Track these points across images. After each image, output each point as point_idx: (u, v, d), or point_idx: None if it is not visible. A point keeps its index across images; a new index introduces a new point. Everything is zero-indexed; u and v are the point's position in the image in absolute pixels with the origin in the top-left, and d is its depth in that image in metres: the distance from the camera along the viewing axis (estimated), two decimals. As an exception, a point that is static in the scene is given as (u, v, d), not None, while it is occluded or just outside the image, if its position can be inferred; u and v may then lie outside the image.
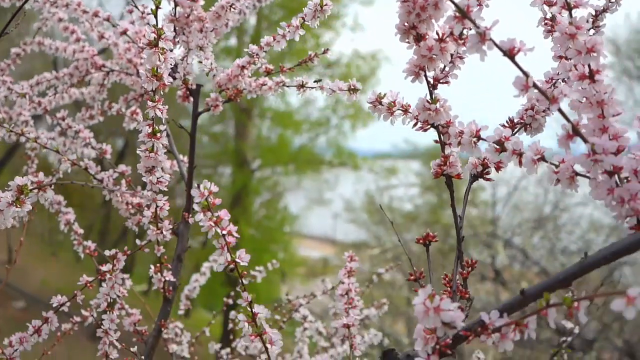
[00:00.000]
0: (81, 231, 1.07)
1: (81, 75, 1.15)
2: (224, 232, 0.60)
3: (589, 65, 0.52)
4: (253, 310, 0.63)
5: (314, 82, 0.90)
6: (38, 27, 1.27)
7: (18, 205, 0.65)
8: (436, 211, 8.73)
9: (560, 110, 0.49)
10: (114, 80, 1.18)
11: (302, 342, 1.24)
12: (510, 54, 0.49)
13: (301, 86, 0.91)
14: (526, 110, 0.66)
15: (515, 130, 0.66)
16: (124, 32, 1.02)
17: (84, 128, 1.08)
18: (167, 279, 0.94)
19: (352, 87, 0.82)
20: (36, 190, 0.64)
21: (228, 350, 1.25)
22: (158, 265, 0.93)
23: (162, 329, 0.97)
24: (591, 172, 0.50)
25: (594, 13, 0.71)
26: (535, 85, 0.49)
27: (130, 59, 1.10)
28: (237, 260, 0.61)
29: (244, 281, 0.62)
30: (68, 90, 1.30)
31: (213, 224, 0.60)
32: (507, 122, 0.66)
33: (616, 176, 0.51)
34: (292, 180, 11.78)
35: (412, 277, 0.55)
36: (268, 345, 0.62)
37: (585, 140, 0.50)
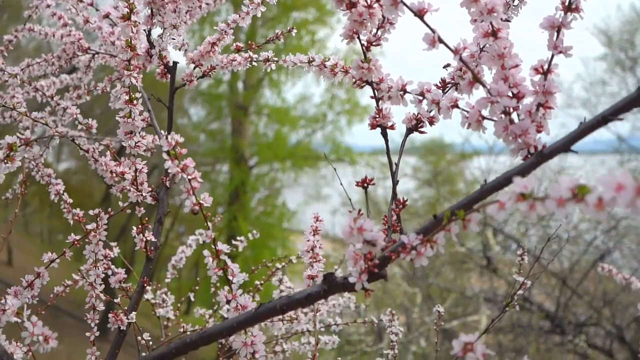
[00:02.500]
0: (70, 200, 1.16)
1: (68, 58, 1.23)
2: (190, 177, 0.69)
3: (491, 24, 0.61)
4: (217, 247, 0.72)
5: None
6: (28, 15, 1.36)
7: (9, 161, 0.74)
8: (433, 204, 8.84)
9: (462, 60, 0.58)
10: (100, 63, 1.27)
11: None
12: (420, 14, 0.58)
13: (267, 60, 1.00)
14: (456, 71, 0.75)
15: (447, 88, 0.75)
16: (107, 16, 1.10)
17: (71, 105, 1.16)
18: (148, 239, 1.03)
19: (310, 59, 0.91)
20: (24, 146, 0.72)
21: (210, 312, 1.35)
22: (140, 226, 1.02)
23: (145, 286, 1.06)
24: (490, 112, 0.59)
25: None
26: (440, 40, 0.58)
27: (114, 42, 1.19)
28: (201, 202, 0.70)
29: (209, 224, 0.71)
30: (59, 75, 1.39)
31: (180, 170, 0.69)
32: (439, 81, 0.75)
33: (516, 116, 0.61)
34: (290, 176, 11.87)
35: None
36: (230, 277, 0.72)
37: (484, 86, 0.59)
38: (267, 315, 0.65)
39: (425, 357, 5.20)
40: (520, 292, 1.13)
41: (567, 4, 0.59)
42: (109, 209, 0.99)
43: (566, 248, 6.86)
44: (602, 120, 0.53)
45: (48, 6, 1.25)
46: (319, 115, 11.79)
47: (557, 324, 5.78)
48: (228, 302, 0.71)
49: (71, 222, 1.14)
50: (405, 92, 0.68)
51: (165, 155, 0.69)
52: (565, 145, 0.55)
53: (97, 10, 1.13)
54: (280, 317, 1.17)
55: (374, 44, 0.68)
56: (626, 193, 0.37)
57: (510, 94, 0.59)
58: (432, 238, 0.57)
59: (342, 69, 0.76)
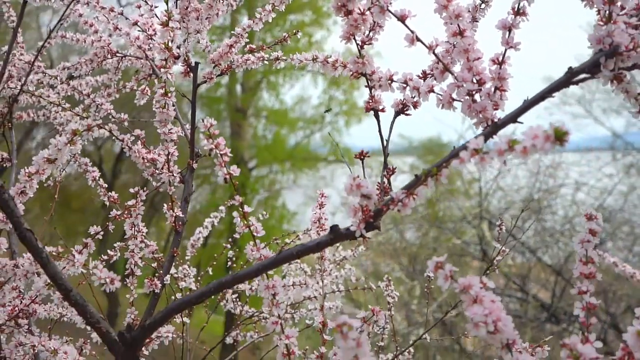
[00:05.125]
0: (105, 185, 1.33)
1: (99, 60, 1.40)
2: (222, 152, 0.86)
3: (458, 26, 0.78)
4: (244, 209, 0.89)
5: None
6: (60, 23, 1.53)
7: (72, 145, 0.91)
8: (432, 203, 9.00)
9: (435, 55, 0.76)
10: (126, 64, 1.44)
11: (289, 275, 1.50)
12: (402, 19, 0.75)
13: (276, 59, 1.17)
14: (434, 63, 0.92)
15: (427, 78, 0.92)
16: (135, 23, 1.27)
17: (105, 102, 1.33)
18: (177, 214, 1.20)
19: (314, 57, 1.08)
20: (87, 131, 0.89)
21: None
22: (170, 203, 1.19)
23: (175, 255, 1.22)
24: (458, 95, 0.76)
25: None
26: (418, 39, 0.75)
27: (140, 46, 1.36)
28: (231, 172, 0.87)
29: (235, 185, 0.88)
30: (85, 77, 1.56)
31: (214, 147, 0.86)
32: (421, 73, 0.92)
33: (479, 97, 0.78)
34: (289, 177, 12.04)
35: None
36: (255, 233, 0.89)
37: (452, 74, 0.76)
38: (286, 259, 0.82)
39: (425, 347, 5.37)
40: (499, 258, 1.29)
41: (516, 9, 0.76)
42: (144, 188, 1.16)
43: (561, 241, 7.04)
44: (540, 97, 0.70)
45: (80, 15, 1.42)
46: (317, 116, 11.98)
47: (552, 314, 5.96)
48: (252, 253, 0.88)
49: (107, 203, 1.31)
50: (392, 81, 0.85)
51: (202, 135, 0.86)
52: (512, 118, 0.72)
53: (126, 19, 1.30)
54: (292, 283, 1.34)
55: (367, 43, 0.85)
56: (539, 140, 0.54)
57: (473, 80, 0.77)
58: (414, 192, 0.74)
59: (341, 64, 0.93)
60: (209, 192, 11.43)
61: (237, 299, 1.63)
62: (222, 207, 1.81)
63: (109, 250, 1.36)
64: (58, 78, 1.35)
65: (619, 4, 0.68)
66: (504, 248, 1.33)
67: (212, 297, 1.69)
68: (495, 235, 1.41)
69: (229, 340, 1.67)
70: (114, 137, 1.25)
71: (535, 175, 7.75)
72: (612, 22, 0.68)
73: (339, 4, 0.81)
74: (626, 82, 0.70)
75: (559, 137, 0.52)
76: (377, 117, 0.89)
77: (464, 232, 7.20)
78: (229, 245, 1.70)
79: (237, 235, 1.67)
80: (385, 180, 0.87)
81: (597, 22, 0.69)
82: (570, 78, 0.69)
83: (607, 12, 0.68)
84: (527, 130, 0.55)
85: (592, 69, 0.68)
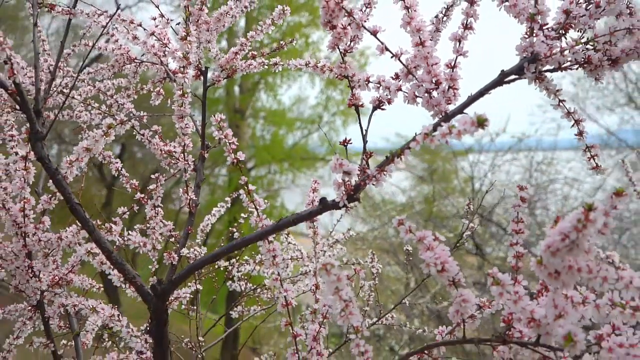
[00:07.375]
0: (127, 175, 1.52)
1: (120, 66, 1.60)
2: (230, 141, 1.06)
3: (419, 37, 0.98)
4: (248, 187, 1.09)
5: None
6: (83, 33, 1.73)
7: (107, 136, 1.11)
8: (429, 202, 9.21)
9: (400, 61, 0.96)
10: (143, 69, 1.64)
11: (286, 254, 1.71)
12: (374, 33, 0.95)
13: (275, 64, 1.37)
14: (402, 68, 1.12)
15: (397, 80, 1.12)
16: (152, 33, 1.47)
17: (126, 102, 1.53)
18: (191, 197, 1.40)
19: (307, 62, 1.28)
20: (119, 125, 1.09)
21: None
22: (185, 188, 1.39)
23: (189, 233, 1.42)
24: (419, 92, 0.96)
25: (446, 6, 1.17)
26: (386, 48, 0.95)
27: (155, 53, 1.56)
28: (237, 157, 1.07)
29: (242, 169, 1.08)
30: (103, 82, 1.76)
31: (223, 137, 1.06)
32: (394, 74, 1.12)
33: (435, 94, 0.98)
34: (287, 177, 12.22)
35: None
36: (258, 207, 1.09)
37: (413, 75, 0.96)
38: (285, 226, 1.02)
39: (420, 337, 5.57)
40: (467, 233, 1.49)
41: (465, 24, 0.96)
42: (163, 175, 1.36)
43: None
44: (479, 94, 0.90)
45: (103, 27, 1.62)
46: (315, 116, 12.18)
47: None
48: (256, 223, 1.08)
49: (130, 190, 1.50)
50: (368, 82, 1.05)
51: (213, 127, 1.06)
52: (460, 110, 0.92)
53: (144, 29, 1.50)
54: (290, 257, 1.54)
55: (348, 51, 1.05)
56: (467, 125, 0.74)
57: (432, 80, 0.97)
58: (385, 169, 0.94)
59: (329, 69, 1.13)
60: (208, 192, 11.63)
61: (242, 278, 1.83)
62: (227, 198, 2.01)
63: (130, 231, 1.56)
64: (85, 81, 1.55)
65: (539, 21, 0.88)
66: (472, 224, 1.53)
67: (221, 270, 1.89)
68: (465, 211, 1.60)
69: (234, 315, 1.87)
70: (135, 132, 1.45)
71: (529, 171, 7.98)
72: (533, 35, 0.88)
73: (325, 20, 1.01)
74: (546, 82, 0.90)
75: (480, 122, 0.73)
76: (357, 111, 1.09)
77: (457, 227, 7.41)
78: (234, 230, 1.90)
79: (241, 221, 1.86)
80: (364, 162, 1.07)
81: (523, 35, 0.89)
82: (502, 78, 0.89)
83: (530, 27, 0.88)
84: (459, 118, 0.75)
85: (518, 71, 0.88)
